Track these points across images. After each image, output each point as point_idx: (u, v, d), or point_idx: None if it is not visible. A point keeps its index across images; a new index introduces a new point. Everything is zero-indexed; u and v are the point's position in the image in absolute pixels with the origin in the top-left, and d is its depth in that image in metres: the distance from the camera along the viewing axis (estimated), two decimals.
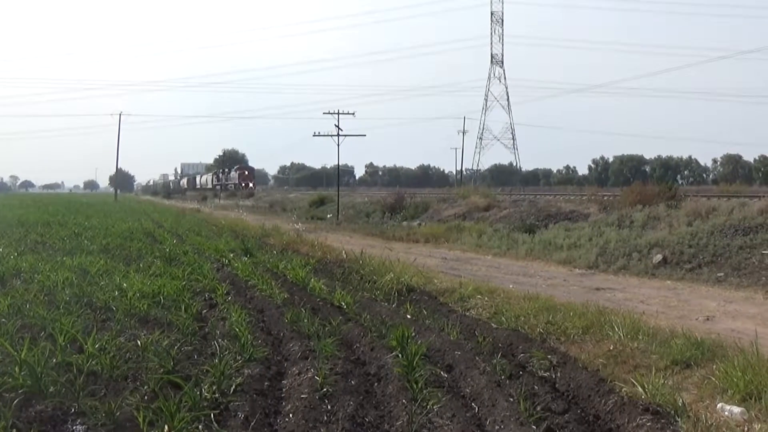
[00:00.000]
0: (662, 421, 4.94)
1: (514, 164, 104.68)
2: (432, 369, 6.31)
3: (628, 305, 9.99)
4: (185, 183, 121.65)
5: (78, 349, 6.32)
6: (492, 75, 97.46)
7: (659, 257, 14.82)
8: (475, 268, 15.34)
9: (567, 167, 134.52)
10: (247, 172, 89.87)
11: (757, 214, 15.63)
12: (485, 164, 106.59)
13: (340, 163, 39.81)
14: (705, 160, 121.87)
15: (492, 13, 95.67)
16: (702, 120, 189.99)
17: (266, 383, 5.94)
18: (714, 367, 6.06)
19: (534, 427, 4.93)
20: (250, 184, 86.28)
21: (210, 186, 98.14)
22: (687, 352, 6.50)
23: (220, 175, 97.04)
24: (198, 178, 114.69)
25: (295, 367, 6.44)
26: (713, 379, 5.80)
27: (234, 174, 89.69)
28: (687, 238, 15.26)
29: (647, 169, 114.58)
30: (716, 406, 5.33)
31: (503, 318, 8.71)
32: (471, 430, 4.94)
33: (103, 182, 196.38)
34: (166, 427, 4.69)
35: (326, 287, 10.96)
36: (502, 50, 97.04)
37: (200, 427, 4.85)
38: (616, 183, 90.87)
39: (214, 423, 4.90)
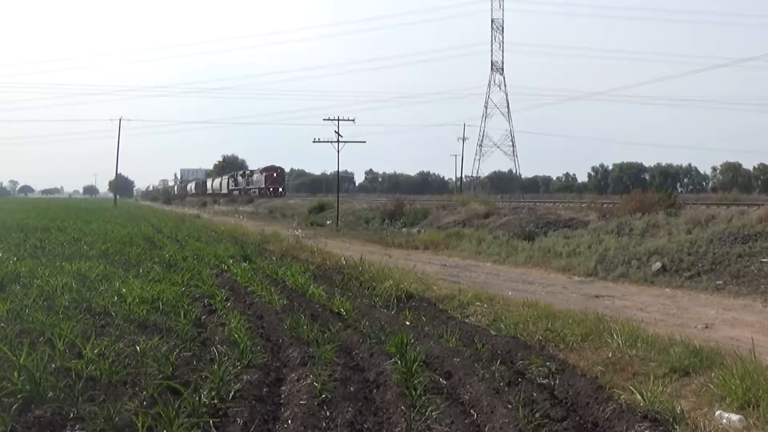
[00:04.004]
0: (660, 428, 4.95)
1: (514, 171, 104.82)
2: (431, 376, 6.31)
3: (627, 313, 10.00)
4: (192, 187, 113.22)
5: (77, 355, 6.32)
6: (492, 82, 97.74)
7: (658, 265, 14.83)
8: (474, 275, 15.35)
9: (567, 175, 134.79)
10: (276, 175, 75.55)
11: (756, 222, 15.66)
12: (485, 171, 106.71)
13: (339, 170, 39.87)
14: (704, 168, 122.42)
15: (492, 21, 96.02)
16: (702, 128, 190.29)
17: (265, 389, 5.95)
18: (712, 374, 6.06)
19: None
20: (280, 189, 73.80)
21: (225, 191, 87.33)
22: (685, 360, 6.50)
23: (239, 178, 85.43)
24: (209, 182, 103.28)
25: (294, 373, 6.44)
26: (711, 386, 5.80)
27: (259, 177, 76.97)
28: (686, 246, 15.28)
29: (647, 176, 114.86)
30: (714, 413, 5.33)
31: (502, 325, 8.71)
32: None
33: (103, 187, 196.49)
34: None
35: (325, 293, 10.96)
36: (502, 57, 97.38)
37: None
38: (615, 190, 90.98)
39: (213, 429, 4.91)
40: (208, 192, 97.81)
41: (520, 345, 7.67)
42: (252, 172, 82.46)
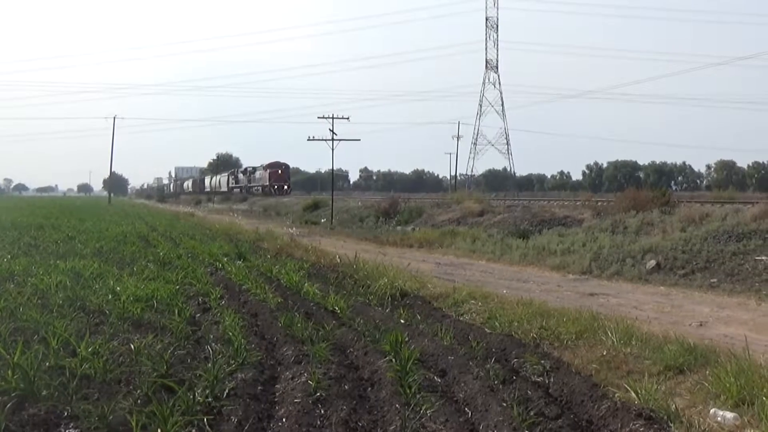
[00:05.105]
0: (655, 426, 4.95)
1: (509, 169, 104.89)
2: (425, 374, 6.31)
3: (622, 311, 10.02)
4: (189, 185, 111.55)
5: (71, 353, 6.29)
6: (487, 80, 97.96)
7: (653, 263, 14.86)
8: (468, 273, 15.35)
9: (561, 173, 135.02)
10: (280, 171, 71.61)
11: (751, 221, 15.70)
12: (479, 169, 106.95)
13: (334, 168, 39.76)
14: (699, 166, 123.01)
15: (487, 19, 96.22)
16: (696, 126, 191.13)
17: (259, 387, 5.93)
18: (707, 372, 6.08)
19: None
20: (285, 186, 70.19)
21: (225, 188, 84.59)
22: (680, 358, 6.52)
23: (240, 175, 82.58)
24: (208, 180, 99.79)
25: (288, 371, 6.44)
26: (706, 384, 5.82)
27: (262, 173, 73.12)
28: (680, 244, 15.32)
29: (641, 174, 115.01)
30: (709, 411, 5.34)
31: (497, 323, 8.71)
32: None
33: (97, 186, 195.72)
34: (159, 430, 4.68)
35: (320, 292, 10.95)
36: (497, 56, 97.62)
37: (193, 431, 4.85)
38: (610, 189, 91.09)
39: (207, 427, 4.89)
40: (206, 190, 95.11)
41: (515, 343, 7.67)
42: (254, 168, 78.62)
